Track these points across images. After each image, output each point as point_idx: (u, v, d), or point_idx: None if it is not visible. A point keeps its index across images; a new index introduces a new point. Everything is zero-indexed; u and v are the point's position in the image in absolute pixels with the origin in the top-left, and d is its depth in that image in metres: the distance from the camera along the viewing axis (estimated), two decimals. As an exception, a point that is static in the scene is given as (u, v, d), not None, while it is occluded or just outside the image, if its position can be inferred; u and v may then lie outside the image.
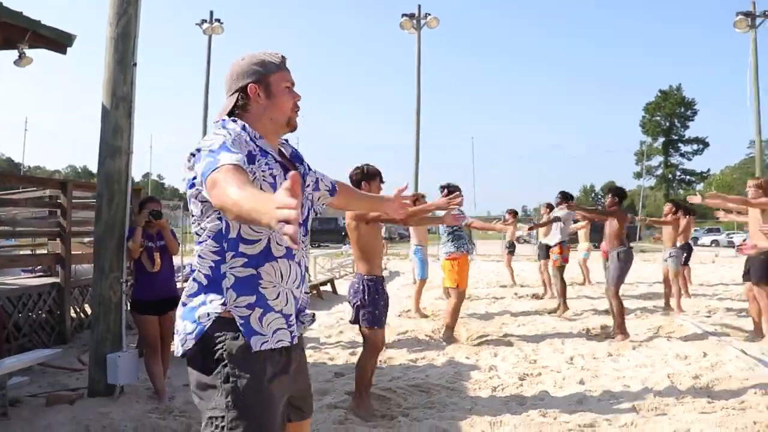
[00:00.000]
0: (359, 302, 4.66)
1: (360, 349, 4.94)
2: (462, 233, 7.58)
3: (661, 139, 73.57)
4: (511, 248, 14.46)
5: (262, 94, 2.11)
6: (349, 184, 4.38)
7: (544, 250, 11.21)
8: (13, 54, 7.79)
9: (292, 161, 2.27)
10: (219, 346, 1.96)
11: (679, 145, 73.99)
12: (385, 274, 17.09)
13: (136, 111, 5.41)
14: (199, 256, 2.04)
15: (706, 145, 73.39)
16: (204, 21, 23.75)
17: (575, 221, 11.53)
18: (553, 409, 4.70)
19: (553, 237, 10.15)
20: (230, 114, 2.13)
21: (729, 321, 8.77)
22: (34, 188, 8.89)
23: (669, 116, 72.96)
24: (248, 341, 1.97)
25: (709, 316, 9.36)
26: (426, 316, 9.38)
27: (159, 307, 5.19)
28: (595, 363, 6.31)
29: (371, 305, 4.64)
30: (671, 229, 10.24)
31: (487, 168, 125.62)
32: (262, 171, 2.01)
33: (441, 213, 5.92)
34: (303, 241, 2.20)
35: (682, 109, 72.91)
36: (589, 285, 13.80)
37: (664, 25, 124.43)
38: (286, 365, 2.10)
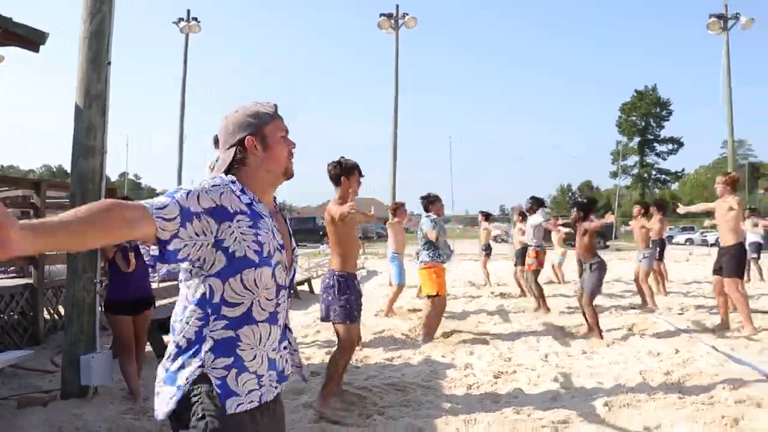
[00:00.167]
0: (330, 297, 4.68)
1: None
2: (436, 243, 7.58)
3: (637, 139, 74.35)
4: (487, 250, 14.52)
5: (259, 146, 2.09)
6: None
7: (521, 257, 11.27)
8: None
9: (284, 222, 2.25)
10: (196, 401, 1.95)
11: (655, 144, 74.83)
12: (362, 273, 17.05)
13: (111, 110, 5.37)
14: (183, 319, 2.02)
15: (681, 144, 74.37)
16: (181, 19, 23.61)
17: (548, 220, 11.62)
18: (527, 406, 4.75)
19: (528, 239, 10.21)
20: (228, 170, 2.10)
21: (701, 318, 8.90)
22: (7, 188, 8.79)
23: (645, 116, 73.77)
24: (223, 403, 1.95)
25: (681, 314, 9.48)
26: (395, 315, 9.41)
27: (134, 307, 5.17)
28: (570, 360, 6.38)
29: (342, 301, 4.65)
30: (644, 230, 10.38)
31: (467, 167, 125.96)
32: (243, 232, 1.97)
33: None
34: (287, 302, 2.19)
35: (658, 109, 73.73)
36: (563, 284, 13.94)
37: (640, 25, 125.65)
38: (259, 423, 2.08)
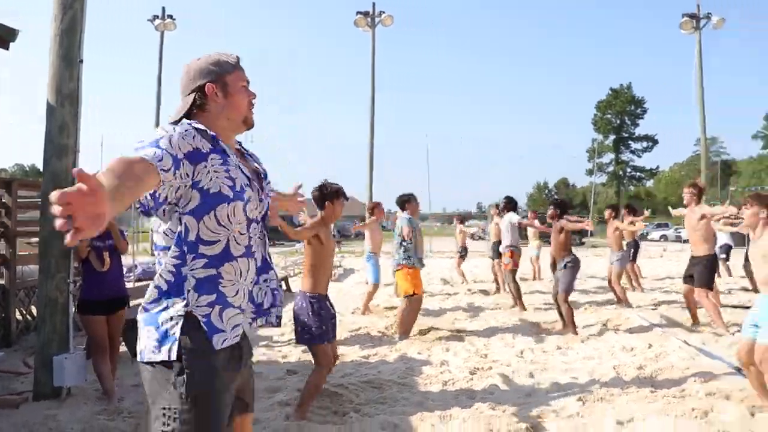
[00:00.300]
0: (305, 319, 4.54)
1: None
2: (409, 245, 7.58)
3: (612, 137, 74.97)
4: (462, 252, 14.56)
5: (220, 93, 2.14)
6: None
7: (496, 250, 11.34)
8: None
9: (253, 161, 2.33)
10: (172, 351, 1.98)
11: (630, 142, 75.49)
12: (339, 271, 17.01)
13: (84, 108, 5.32)
14: (160, 260, 2.07)
15: (656, 142, 75.09)
16: (156, 17, 23.43)
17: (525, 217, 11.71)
18: (502, 402, 4.79)
19: (504, 239, 10.27)
20: (188, 114, 2.14)
21: (674, 313, 9.02)
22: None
23: (620, 114, 74.39)
24: (210, 339, 2.01)
25: (655, 309, 9.61)
26: (371, 312, 9.43)
27: (108, 306, 5.13)
28: (545, 356, 6.44)
29: (317, 323, 4.52)
30: (617, 232, 10.50)
31: (445, 165, 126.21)
32: (216, 170, 2.02)
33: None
34: (261, 237, 2.25)
35: (633, 108, 74.41)
36: (540, 280, 14.06)
37: (615, 23, 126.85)
38: (239, 357, 2.16)
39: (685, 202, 7.88)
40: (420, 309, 7.89)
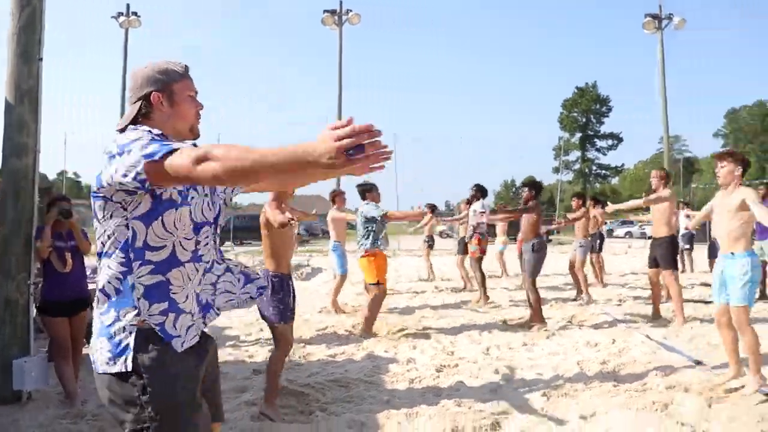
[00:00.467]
0: (265, 298, 4.66)
1: None
2: (377, 230, 7.60)
3: (578, 135, 75.93)
4: (430, 242, 14.60)
5: (165, 102, 2.12)
6: None
7: (463, 246, 11.40)
8: None
9: None
10: (127, 362, 1.96)
11: (595, 140, 76.58)
12: (307, 270, 16.90)
13: (45, 106, 5.24)
14: (105, 267, 2.03)
15: (620, 140, 76.30)
16: (120, 14, 23.07)
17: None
18: (468, 398, 4.83)
19: (471, 227, 10.34)
20: (133, 122, 2.11)
21: (638, 309, 9.18)
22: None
23: (585, 112, 75.38)
24: (169, 342, 2.00)
25: (619, 305, 9.76)
26: (344, 312, 9.41)
27: (70, 308, 5.06)
28: (511, 353, 6.50)
29: (276, 301, 4.64)
30: (582, 220, 10.65)
31: (413, 163, 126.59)
32: None
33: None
34: (214, 240, 2.23)
35: (598, 106, 75.44)
36: (506, 277, 14.18)
37: (580, 23, 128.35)
38: (200, 358, 2.15)
39: (653, 186, 8.00)
40: (383, 299, 7.87)
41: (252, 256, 17.49)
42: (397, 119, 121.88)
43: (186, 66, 2.22)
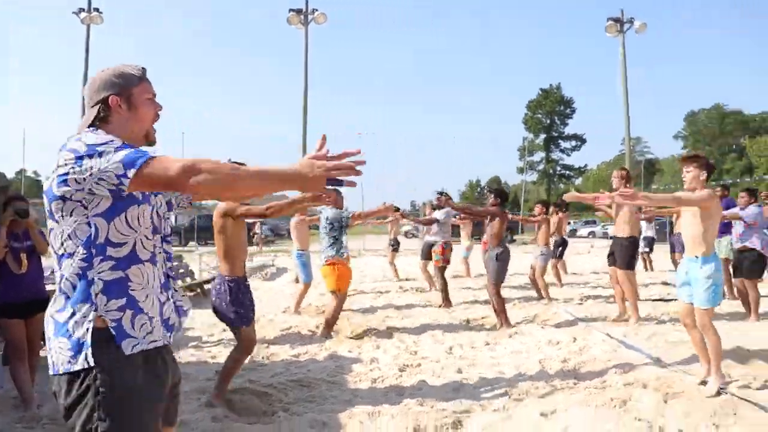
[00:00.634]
0: (224, 304, 4.64)
1: None
2: (341, 237, 7.58)
3: (543, 136, 76.72)
4: (395, 245, 14.61)
5: (124, 105, 2.12)
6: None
7: (427, 251, 11.40)
8: None
9: None
10: (88, 358, 1.94)
11: (559, 141, 77.44)
12: (272, 270, 16.75)
13: (3, 105, 5.11)
14: (65, 266, 2.00)
15: (584, 141, 77.29)
16: (82, 10, 22.66)
17: (457, 215, 11.84)
18: (430, 397, 4.84)
19: (435, 236, 10.37)
20: (91, 126, 2.10)
21: (599, 307, 9.31)
22: None
23: (549, 114, 76.19)
24: (119, 345, 1.98)
25: (581, 304, 9.89)
26: (300, 314, 9.37)
27: (26, 309, 4.94)
28: (473, 352, 6.54)
29: (236, 305, 4.62)
30: (544, 227, 10.74)
31: (378, 163, 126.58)
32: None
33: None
34: (164, 252, 2.21)
35: (562, 107, 76.32)
36: (470, 278, 14.23)
37: (545, 25, 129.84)
38: (157, 367, 2.12)
39: (614, 186, 8.10)
40: (342, 305, 7.84)
41: (214, 256, 17.32)
42: (362, 118, 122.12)
43: (143, 69, 2.22)
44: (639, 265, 13.14)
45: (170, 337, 2.22)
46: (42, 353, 5.24)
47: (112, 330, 1.97)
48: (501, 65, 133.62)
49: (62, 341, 1.96)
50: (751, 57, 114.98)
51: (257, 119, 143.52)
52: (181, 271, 11.70)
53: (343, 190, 7.87)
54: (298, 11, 23.20)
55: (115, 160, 1.85)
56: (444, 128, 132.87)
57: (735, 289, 8.89)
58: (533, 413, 4.41)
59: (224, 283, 4.69)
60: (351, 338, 7.26)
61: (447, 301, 9.87)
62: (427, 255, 11.37)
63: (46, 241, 5.23)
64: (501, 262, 7.87)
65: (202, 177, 1.81)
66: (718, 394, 4.71)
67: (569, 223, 40.48)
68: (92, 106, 2.12)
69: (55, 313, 2.01)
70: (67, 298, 1.99)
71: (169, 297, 2.23)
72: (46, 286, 5.23)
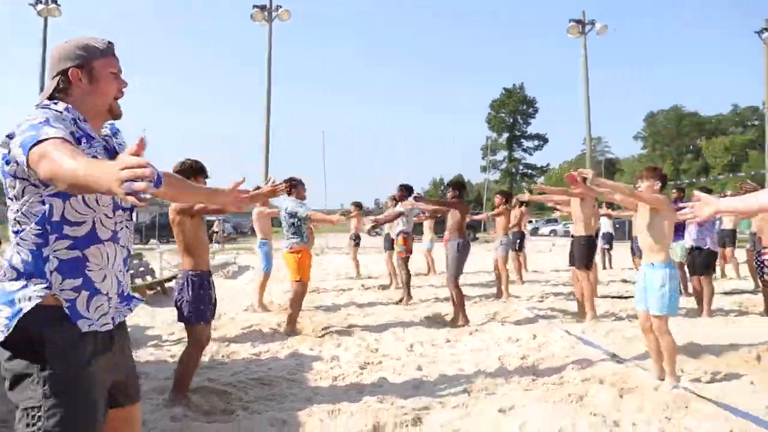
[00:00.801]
0: (184, 298, 4.61)
1: None
2: (302, 226, 7.57)
3: (506, 135, 77.33)
4: (356, 240, 14.62)
5: (84, 79, 2.08)
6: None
7: (389, 242, 11.47)
8: None
9: (118, 151, 2.24)
10: (35, 331, 1.90)
11: (522, 140, 78.12)
12: (234, 268, 16.62)
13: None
14: (19, 241, 1.97)
15: (546, 141, 78.11)
16: (38, 1, 22.21)
17: (418, 214, 11.89)
18: (390, 395, 4.85)
19: (396, 228, 10.41)
20: (51, 97, 2.07)
21: (559, 304, 9.44)
22: None
23: (512, 113, 76.82)
24: (75, 323, 1.95)
25: (542, 301, 10.02)
26: (269, 311, 9.33)
27: None
28: (434, 349, 6.58)
29: (196, 301, 4.59)
30: (503, 219, 10.87)
31: (342, 160, 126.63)
32: (85, 151, 1.96)
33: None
34: (128, 227, 2.19)
35: (525, 107, 77.02)
36: (434, 274, 14.32)
37: (509, 27, 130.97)
38: (108, 346, 2.09)
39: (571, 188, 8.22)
40: (304, 296, 7.82)
41: (177, 254, 17.14)
42: (326, 116, 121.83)
43: (110, 43, 2.18)
44: (599, 261, 13.40)
45: (129, 308, 2.21)
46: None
47: (66, 309, 1.94)
48: (466, 65, 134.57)
49: (3, 309, 1.92)
50: (707, 60, 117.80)
51: (220, 117, 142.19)
52: (142, 269, 11.55)
53: (307, 184, 7.89)
54: (262, 8, 23.09)
55: (19, 140, 1.80)
56: (409, 126, 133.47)
57: (690, 287, 9.11)
58: (492, 409, 4.45)
59: (187, 278, 4.65)
60: (312, 336, 7.24)
61: (408, 295, 9.91)
62: (390, 246, 11.42)
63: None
64: (461, 253, 7.93)
65: (42, 163, 1.70)
66: (678, 380, 4.85)
67: (531, 221, 41.05)
68: (53, 77, 2.09)
69: (4, 282, 1.96)
70: (19, 272, 1.95)
71: (126, 271, 2.21)
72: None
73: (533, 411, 4.39)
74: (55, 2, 22.39)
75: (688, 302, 8.87)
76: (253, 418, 4.34)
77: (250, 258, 18.81)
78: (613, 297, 10.12)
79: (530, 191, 11.55)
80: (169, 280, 12.23)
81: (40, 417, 1.87)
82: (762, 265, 8.31)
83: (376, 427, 4.13)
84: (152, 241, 30.73)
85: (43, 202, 1.92)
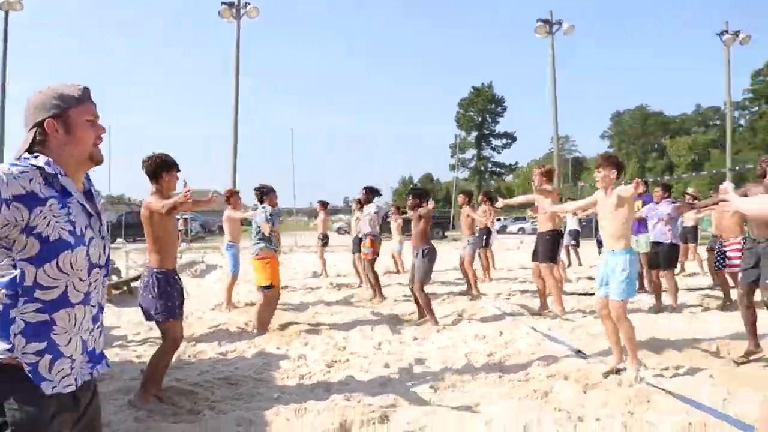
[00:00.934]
0: (151, 296, 4.58)
1: None
2: (271, 236, 7.54)
3: (474, 133, 77.71)
4: (324, 240, 14.58)
5: (61, 129, 2.01)
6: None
7: (357, 244, 11.47)
8: None
9: (93, 201, 2.17)
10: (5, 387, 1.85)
11: (491, 139, 78.56)
12: (201, 267, 16.46)
13: None
14: None
15: (514, 139, 78.64)
16: (-2, -5, 21.68)
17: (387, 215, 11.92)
18: (358, 392, 4.87)
19: (363, 229, 10.40)
20: (30, 150, 2.00)
21: (526, 302, 9.52)
22: None
23: (481, 112, 77.21)
24: (38, 385, 1.88)
25: (509, 298, 10.09)
26: (237, 308, 9.28)
27: None
28: (401, 347, 6.60)
29: (164, 298, 4.57)
30: (468, 218, 10.94)
31: (311, 159, 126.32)
32: (55, 215, 1.90)
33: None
34: (102, 285, 2.12)
35: (493, 106, 77.45)
36: (403, 273, 14.32)
37: (478, 26, 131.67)
38: (72, 407, 2.02)
39: (536, 184, 8.32)
40: (277, 302, 7.85)
41: (143, 253, 16.89)
42: (296, 114, 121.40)
43: (85, 89, 2.11)
44: (565, 258, 13.55)
45: (95, 370, 2.12)
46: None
47: (28, 374, 1.87)
48: (435, 63, 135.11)
49: None
50: (672, 61, 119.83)
51: (190, 116, 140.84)
52: (106, 268, 11.36)
53: (275, 187, 7.88)
54: (230, 4, 22.89)
55: None
56: (378, 125, 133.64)
57: (647, 283, 9.28)
58: (458, 406, 4.49)
59: (152, 275, 4.63)
60: (280, 334, 7.21)
61: (380, 295, 9.94)
62: (358, 248, 11.43)
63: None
64: (428, 260, 7.94)
65: None
66: (636, 380, 4.92)
67: (499, 219, 41.34)
68: (29, 129, 2.02)
69: None
70: None
71: (95, 328, 2.12)
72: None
73: (499, 407, 4.45)
74: (18, -4, 21.88)
75: (651, 298, 9.01)
76: (220, 418, 4.32)
77: (218, 257, 18.68)
78: (579, 294, 10.23)
79: (493, 199, 11.72)
80: (135, 279, 12.06)
81: None
82: (723, 257, 8.52)
83: (342, 425, 4.14)
84: (118, 240, 30.24)
85: (15, 266, 1.87)
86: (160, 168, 4.70)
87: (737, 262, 7.60)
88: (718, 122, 69.98)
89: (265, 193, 7.70)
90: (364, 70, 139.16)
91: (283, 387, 5.18)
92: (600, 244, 13.34)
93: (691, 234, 13.27)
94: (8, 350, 1.86)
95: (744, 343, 5.87)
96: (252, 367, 5.79)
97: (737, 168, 28.07)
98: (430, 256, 7.95)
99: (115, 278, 11.44)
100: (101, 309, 2.16)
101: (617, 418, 4.14)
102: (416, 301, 8.12)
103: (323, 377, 5.45)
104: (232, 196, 9.72)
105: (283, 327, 7.67)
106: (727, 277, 8.81)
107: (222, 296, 9.62)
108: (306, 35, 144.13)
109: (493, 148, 78.94)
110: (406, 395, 4.81)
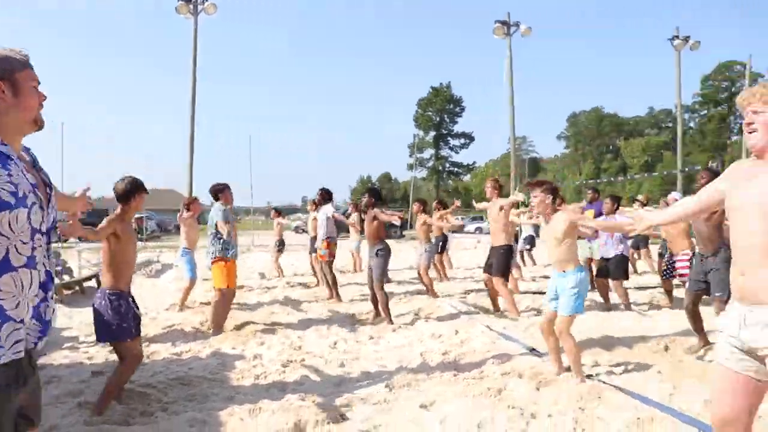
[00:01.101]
0: (105, 317, 4.44)
1: None
2: (228, 237, 7.46)
3: (433, 133, 78.09)
4: (280, 246, 14.47)
5: (8, 92, 2.00)
6: None
7: (314, 245, 11.41)
8: None
9: (36, 169, 2.16)
10: None
11: (449, 138, 79.00)
12: (157, 266, 16.23)
13: None
14: None
15: (472, 139, 79.23)
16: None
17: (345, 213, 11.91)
18: (312, 392, 4.86)
19: (320, 231, 10.35)
20: None
21: (482, 301, 9.58)
22: None
23: (439, 112, 77.60)
24: None
25: (464, 297, 10.17)
26: (190, 308, 9.18)
27: None
28: (357, 346, 6.61)
29: (116, 319, 4.44)
30: (423, 225, 10.97)
31: (269, 159, 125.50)
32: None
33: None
34: (46, 249, 2.10)
35: (451, 106, 77.92)
36: (360, 272, 14.33)
37: (437, 26, 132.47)
38: (20, 375, 2.00)
39: (487, 195, 8.44)
40: (232, 303, 7.79)
41: (97, 252, 16.58)
42: (253, 113, 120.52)
43: (27, 55, 2.10)
44: (520, 261, 13.69)
45: (42, 338, 2.10)
46: None
47: None
48: (394, 63, 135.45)
49: None
50: (626, 64, 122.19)
51: (146, 116, 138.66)
52: (59, 268, 11.12)
53: (232, 186, 7.80)
54: (188, 0, 22.60)
55: None
56: (337, 124, 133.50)
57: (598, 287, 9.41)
58: (413, 405, 4.52)
59: (105, 296, 4.48)
60: (236, 334, 7.15)
61: (338, 297, 9.93)
62: (315, 248, 11.39)
63: None
64: (382, 258, 7.97)
65: None
66: (584, 380, 4.99)
67: (457, 218, 41.55)
68: None
69: None
70: None
71: (48, 297, 2.10)
72: None
73: (454, 405, 4.47)
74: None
75: (597, 296, 9.17)
76: (172, 420, 4.27)
77: (173, 256, 18.44)
78: (533, 293, 10.36)
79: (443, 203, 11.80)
80: (88, 279, 11.86)
81: None
82: (672, 268, 8.61)
83: (297, 424, 4.13)
84: (71, 239, 29.67)
85: None
86: (134, 191, 4.61)
87: (685, 272, 7.68)
88: (670, 125, 71.54)
89: (219, 191, 7.61)
90: (323, 69, 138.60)
91: (238, 387, 5.15)
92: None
93: (642, 242, 13.56)
94: None
95: (691, 338, 6.05)
96: (207, 367, 5.73)
97: (687, 169, 28.75)
98: (384, 255, 7.97)
99: (67, 278, 11.19)
100: (51, 278, 2.14)
101: (569, 414, 4.21)
102: (373, 301, 8.13)
103: (279, 377, 5.42)
104: (192, 203, 9.61)
105: (239, 327, 7.61)
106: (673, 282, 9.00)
107: (177, 297, 9.49)
108: (264, 32, 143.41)
109: (451, 148, 79.42)
110: (361, 394, 4.83)
